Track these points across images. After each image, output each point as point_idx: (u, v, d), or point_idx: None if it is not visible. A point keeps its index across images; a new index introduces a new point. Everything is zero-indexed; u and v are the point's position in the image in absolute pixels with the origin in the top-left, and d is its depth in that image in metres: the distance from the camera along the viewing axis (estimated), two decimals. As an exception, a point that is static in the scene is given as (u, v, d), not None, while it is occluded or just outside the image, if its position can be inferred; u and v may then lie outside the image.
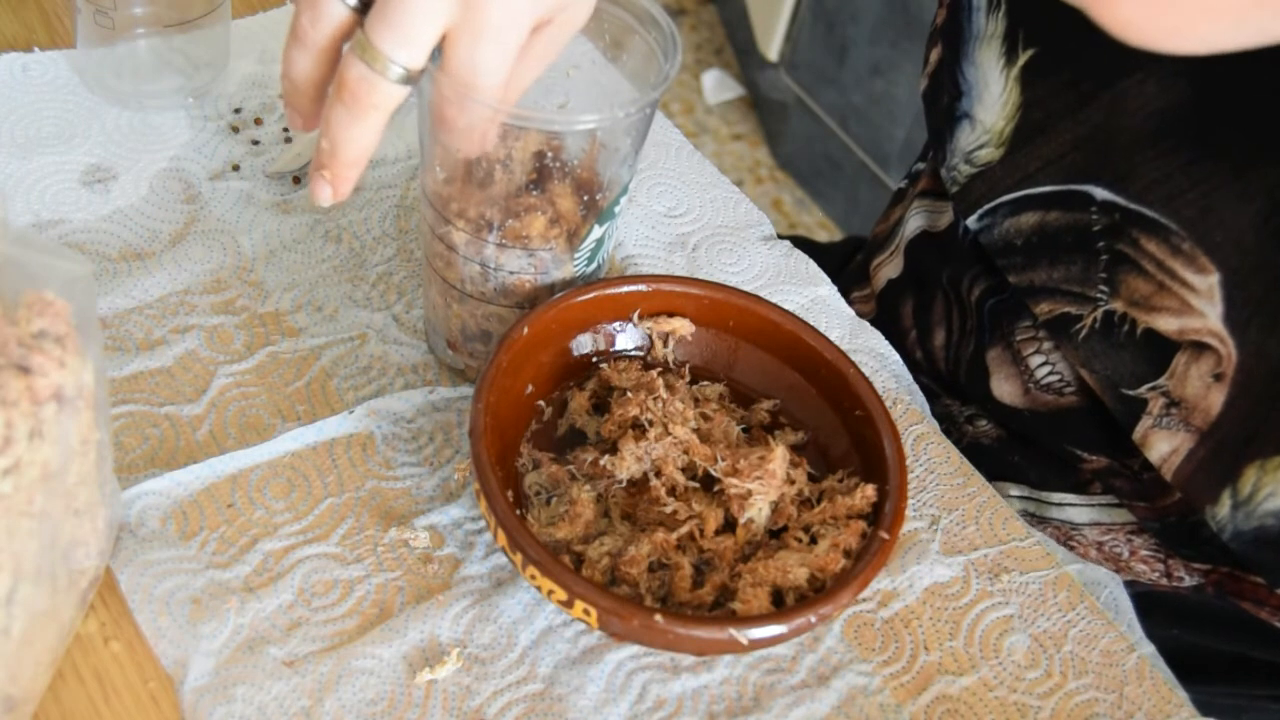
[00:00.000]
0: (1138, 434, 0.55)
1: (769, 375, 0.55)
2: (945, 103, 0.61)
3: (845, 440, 0.53)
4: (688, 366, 0.56)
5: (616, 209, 0.51)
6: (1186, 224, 0.50)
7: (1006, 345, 0.61)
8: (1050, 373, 0.59)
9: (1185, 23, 0.35)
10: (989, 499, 0.56)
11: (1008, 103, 0.57)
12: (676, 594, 0.48)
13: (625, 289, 0.54)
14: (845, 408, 0.53)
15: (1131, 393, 0.54)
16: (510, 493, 0.47)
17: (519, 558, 0.45)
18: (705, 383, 0.56)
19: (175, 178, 0.62)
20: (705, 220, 0.66)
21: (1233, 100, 0.50)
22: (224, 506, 0.50)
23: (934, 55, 0.63)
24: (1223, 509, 0.52)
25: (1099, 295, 0.54)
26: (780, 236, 0.67)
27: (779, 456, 0.50)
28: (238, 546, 0.49)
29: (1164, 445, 0.54)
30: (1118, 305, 0.54)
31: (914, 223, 0.70)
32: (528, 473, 0.52)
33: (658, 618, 0.43)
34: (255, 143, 0.64)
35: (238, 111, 0.66)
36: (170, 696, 0.45)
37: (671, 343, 0.56)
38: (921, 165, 0.74)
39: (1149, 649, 0.52)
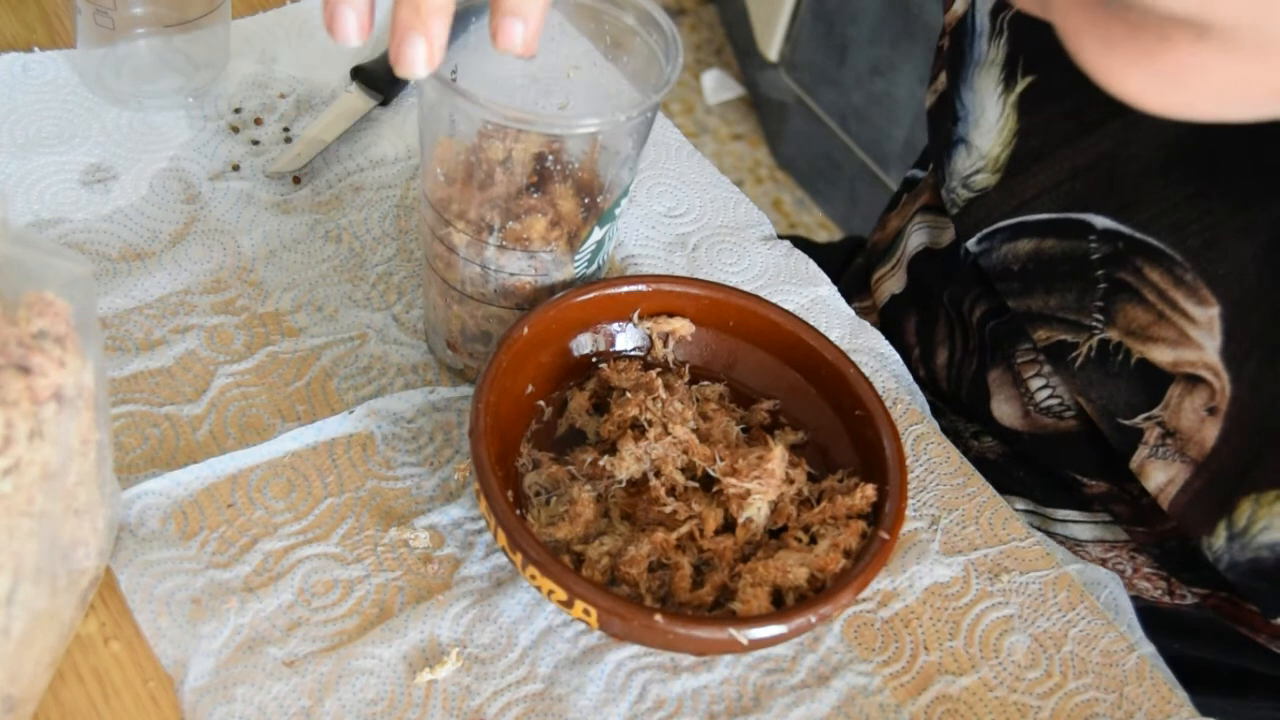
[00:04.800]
0: (1134, 463, 0.55)
1: (769, 375, 0.55)
2: (945, 128, 0.61)
3: (845, 440, 0.53)
4: (687, 366, 0.56)
5: (617, 211, 0.51)
6: (1190, 255, 0.50)
7: (1007, 367, 0.61)
8: (1050, 396, 0.59)
9: (1194, 101, 0.35)
10: (989, 499, 0.56)
11: (1004, 129, 0.57)
12: (676, 594, 0.48)
13: (625, 289, 0.54)
14: (845, 408, 0.53)
15: (1127, 422, 0.54)
16: (510, 493, 0.48)
17: (519, 558, 0.45)
18: (705, 383, 0.56)
19: (175, 178, 0.62)
20: (705, 220, 0.66)
21: (1237, 136, 0.49)
22: (224, 506, 0.50)
23: (942, 78, 0.63)
24: (1218, 540, 0.52)
25: (1094, 324, 0.54)
26: (780, 237, 0.67)
27: (777, 456, 0.50)
28: (238, 546, 0.49)
29: (1160, 475, 0.54)
30: (1113, 334, 0.54)
31: (916, 239, 0.70)
32: (528, 473, 0.52)
33: (658, 618, 0.43)
34: (255, 143, 0.64)
35: (238, 111, 0.66)
36: (170, 696, 0.45)
37: (671, 343, 0.56)
38: (921, 174, 0.74)
39: (1149, 649, 0.52)
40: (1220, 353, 0.50)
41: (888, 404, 0.58)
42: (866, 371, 0.58)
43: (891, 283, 0.71)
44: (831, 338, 0.56)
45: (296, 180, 0.63)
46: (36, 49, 0.66)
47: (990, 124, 0.57)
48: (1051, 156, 0.55)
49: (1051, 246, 0.56)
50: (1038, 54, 0.55)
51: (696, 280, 0.55)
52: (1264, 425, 0.50)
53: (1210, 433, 0.51)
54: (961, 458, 0.58)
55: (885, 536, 0.47)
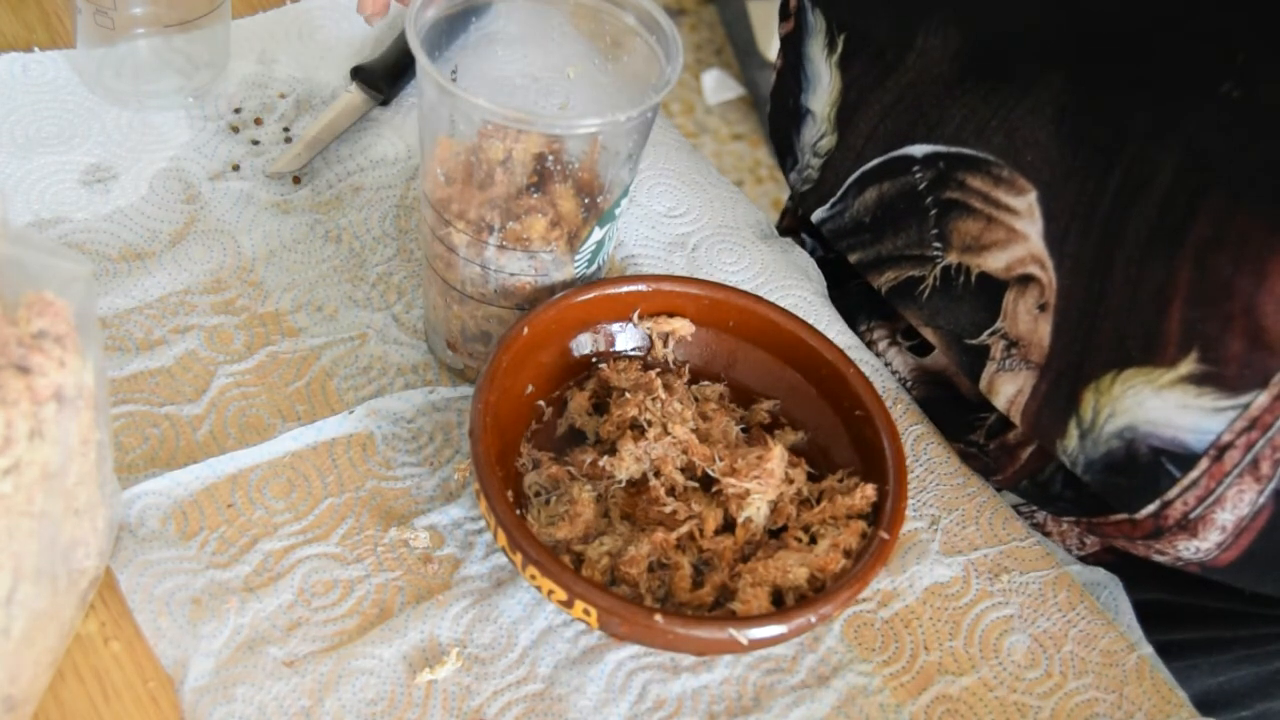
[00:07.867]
0: (984, 381, 0.56)
1: (769, 375, 0.55)
2: (789, 105, 0.65)
3: (845, 440, 0.53)
4: (687, 366, 0.56)
5: (617, 211, 0.51)
6: (998, 151, 0.53)
7: None
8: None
9: None
10: (989, 499, 0.56)
11: (832, 89, 0.61)
12: (676, 594, 0.48)
13: (625, 289, 0.54)
14: (845, 408, 0.53)
15: (974, 341, 0.56)
16: (510, 493, 0.48)
17: (519, 558, 0.45)
18: (705, 383, 0.56)
19: (175, 178, 0.62)
20: (705, 220, 0.66)
21: (999, 28, 0.53)
22: (224, 506, 0.50)
23: (777, 70, 0.68)
24: (1071, 441, 0.53)
25: (935, 253, 0.57)
26: (779, 225, 0.67)
27: (777, 456, 0.50)
28: (238, 546, 0.49)
29: (1009, 387, 0.55)
30: (952, 257, 0.56)
31: None
32: (528, 473, 0.52)
33: (658, 618, 0.43)
34: (255, 143, 0.64)
35: (238, 111, 0.66)
36: (170, 696, 0.45)
37: (671, 343, 0.56)
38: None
39: (1149, 649, 0.52)
40: (1043, 237, 0.52)
41: (888, 404, 0.58)
42: (866, 371, 0.58)
43: None
44: (830, 337, 0.56)
45: (296, 180, 0.63)
46: (36, 49, 0.66)
47: (824, 88, 0.62)
48: (866, 102, 0.59)
49: (888, 189, 0.59)
50: (843, 14, 0.60)
51: (696, 280, 0.55)
52: (1086, 310, 0.51)
53: (1044, 330, 0.53)
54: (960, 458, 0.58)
55: (885, 536, 0.47)
